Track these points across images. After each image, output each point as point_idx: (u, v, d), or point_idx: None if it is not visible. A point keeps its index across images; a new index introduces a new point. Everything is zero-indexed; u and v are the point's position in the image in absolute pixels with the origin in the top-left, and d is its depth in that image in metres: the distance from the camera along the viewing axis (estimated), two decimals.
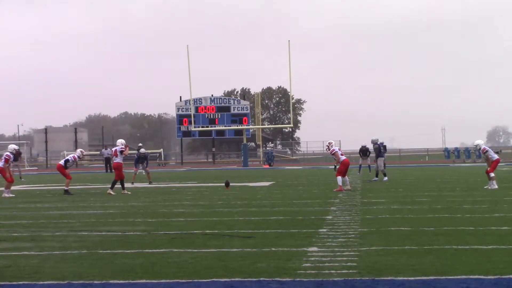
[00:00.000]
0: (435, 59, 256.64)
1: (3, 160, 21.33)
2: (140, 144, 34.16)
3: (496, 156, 20.93)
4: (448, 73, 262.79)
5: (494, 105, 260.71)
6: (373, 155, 28.62)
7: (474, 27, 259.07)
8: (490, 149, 21.06)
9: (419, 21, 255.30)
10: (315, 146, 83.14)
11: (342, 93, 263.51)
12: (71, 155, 22.60)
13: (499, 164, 21.92)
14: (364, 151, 30.49)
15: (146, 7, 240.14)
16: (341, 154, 20.90)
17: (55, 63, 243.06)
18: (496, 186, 20.12)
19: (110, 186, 21.44)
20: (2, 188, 21.26)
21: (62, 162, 22.16)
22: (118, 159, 21.74)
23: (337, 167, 20.92)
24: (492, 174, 20.32)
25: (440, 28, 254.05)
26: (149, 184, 26.91)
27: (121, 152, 21.78)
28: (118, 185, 21.32)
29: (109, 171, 46.44)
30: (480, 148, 21.33)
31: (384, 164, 27.09)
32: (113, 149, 22.47)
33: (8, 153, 21.60)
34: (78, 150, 23.21)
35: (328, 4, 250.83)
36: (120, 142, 22.52)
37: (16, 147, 22.70)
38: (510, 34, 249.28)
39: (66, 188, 21.35)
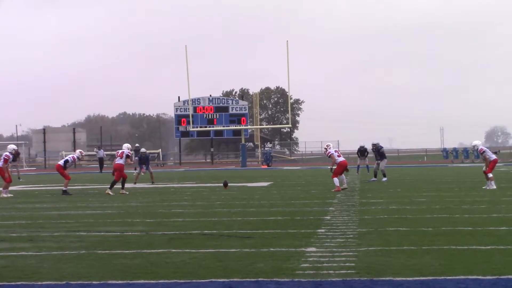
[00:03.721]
0: (434, 60, 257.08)
1: (2, 160, 21.36)
2: (137, 145, 34.10)
3: (493, 157, 20.91)
4: (446, 74, 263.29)
5: (493, 106, 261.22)
6: (371, 155, 28.69)
7: (473, 28, 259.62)
8: (487, 150, 21.06)
9: (418, 23, 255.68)
10: (313, 147, 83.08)
11: (341, 93, 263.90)
12: (71, 156, 22.62)
13: (497, 165, 21.94)
14: (362, 152, 30.52)
15: (145, 8, 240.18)
16: (338, 156, 20.85)
17: (54, 64, 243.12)
18: (495, 187, 20.13)
19: (109, 186, 21.43)
20: (0, 189, 21.24)
21: (61, 162, 22.15)
22: (121, 161, 21.79)
23: (334, 169, 20.86)
24: (490, 175, 20.33)
25: (439, 30, 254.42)
26: (152, 184, 26.96)
27: (127, 156, 21.95)
28: (118, 185, 21.32)
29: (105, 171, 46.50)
30: (477, 149, 21.37)
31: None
32: (120, 151, 22.55)
33: (7, 153, 21.63)
34: (78, 151, 23.25)
35: (329, 6, 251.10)
36: (126, 146, 22.63)
37: (15, 147, 22.73)
38: (509, 35, 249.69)
39: (64, 188, 21.32)
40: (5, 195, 20.91)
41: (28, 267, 8.01)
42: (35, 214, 15.01)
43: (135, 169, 29.51)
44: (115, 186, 21.22)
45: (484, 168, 20.79)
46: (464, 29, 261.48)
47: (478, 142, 21.45)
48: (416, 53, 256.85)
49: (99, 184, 28.26)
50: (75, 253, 8.99)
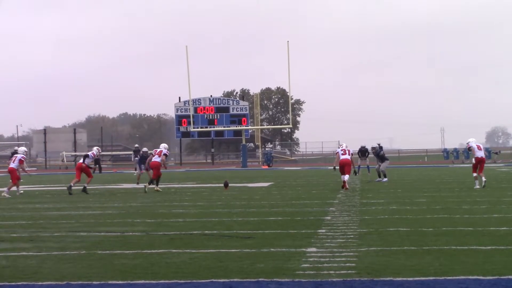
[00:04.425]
0: (434, 60, 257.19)
1: (17, 162, 21.86)
2: (137, 145, 34.14)
3: (477, 154, 20.80)
4: (447, 74, 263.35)
5: (493, 106, 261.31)
6: (372, 156, 28.72)
7: (474, 28, 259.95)
8: (475, 146, 21.00)
9: (419, 23, 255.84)
10: (314, 147, 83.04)
11: (341, 93, 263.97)
12: (90, 152, 23.19)
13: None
14: (363, 152, 30.44)
15: (145, 8, 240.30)
16: (343, 154, 21.16)
17: (55, 64, 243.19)
18: (477, 186, 20.30)
19: (155, 184, 21.91)
20: (4, 189, 21.27)
21: (81, 160, 22.67)
22: (158, 159, 22.24)
23: (337, 168, 21.36)
24: (474, 174, 20.50)
25: (440, 30, 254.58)
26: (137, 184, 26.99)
27: (165, 155, 22.55)
28: (134, 185, 21.37)
29: (97, 171, 46.57)
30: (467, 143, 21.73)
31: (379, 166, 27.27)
32: (158, 149, 22.83)
33: (23, 155, 22.29)
34: (95, 148, 24.06)
35: (329, 6, 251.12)
36: (164, 146, 23.08)
37: (25, 149, 23.28)
38: (509, 35, 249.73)
39: (86, 185, 21.72)
40: (6, 195, 20.97)
41: (28, 267, 8.02)
42: (35, 214, 15.01)
43: (135, 170, 29.50)
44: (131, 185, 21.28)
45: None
46: (464, 29, 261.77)
47: (472, 139, 21.51)
48: (416, 53, 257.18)
49: (98, 184, 28.26)
50: (76, 253, 9.00)
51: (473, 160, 20.92)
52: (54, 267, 8.02)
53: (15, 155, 22.58)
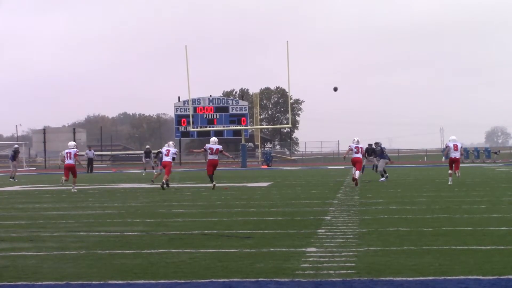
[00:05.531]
0: (434, 60, 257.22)
1: (73, 158, 22.85)
2: (148, 146, 34.28)
3: (452, 155, 22.33)
4: (447, 74, 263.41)
5: (493, 106, 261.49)
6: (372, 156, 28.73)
7: (474, 29, 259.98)
8: (451, 146, 22.35)
9: (419, 23, 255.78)
10: (313, 147, 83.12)
11: (341, 93, 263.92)
12: (174, 150, 24.44)
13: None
14: (369, 152, 30.11)
15: (145, 8, 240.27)
16: (356, 152, 22.72)
17: (54, 64, 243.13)
18: (450, 183, 21.79)
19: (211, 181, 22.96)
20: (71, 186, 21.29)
21: (169, 158, 23.80)
22: (215, 157, 23.12)
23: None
24: (449, 171, 22.08)
25: (441, 30, 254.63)
26: (151, 183, 26.95)
27: (221, 151, 23.38)
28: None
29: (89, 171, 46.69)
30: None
31: (376, 166, 27.47)
32: (215, 147, 23.15)
33: (75, 149, 23.10)
34: (168, 144, 24.80)
35: (329, 6, 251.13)
36: (213, 140, 23.61)
37: (74, 143, 24.08)
38: (510, 36, 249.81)
39: (165, 181, 22.97)
40: (75, 190, 22.37)
41: (28, 267, 8.01)
42: (35, 214, 15.00)
43: (144, 169, 29.39)
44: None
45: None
46: (464, 30, 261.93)
47: (452, 137, 22.42)
48: (416, 53, 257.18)
49: (98, 184, 28.24)
50: (75, 253, 8.99)
51: (448, 155, 22.21)
52: (53, 267, 8.01)
53: (69, 150, 23.14)
